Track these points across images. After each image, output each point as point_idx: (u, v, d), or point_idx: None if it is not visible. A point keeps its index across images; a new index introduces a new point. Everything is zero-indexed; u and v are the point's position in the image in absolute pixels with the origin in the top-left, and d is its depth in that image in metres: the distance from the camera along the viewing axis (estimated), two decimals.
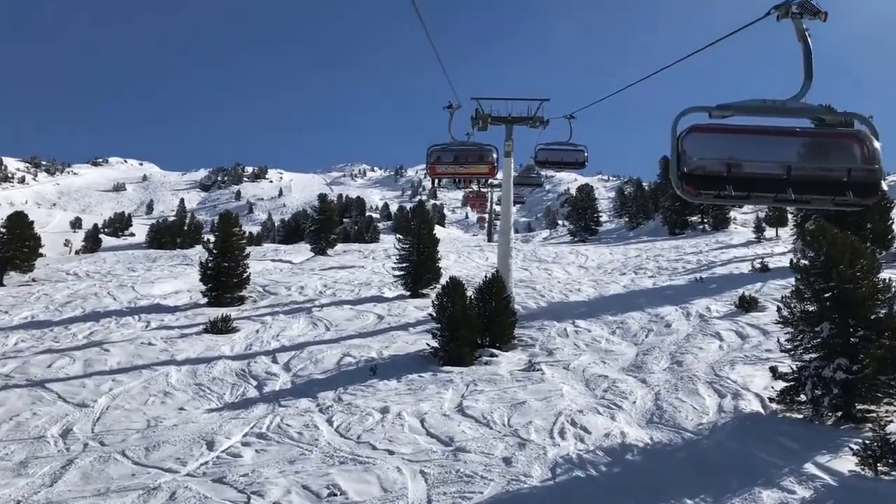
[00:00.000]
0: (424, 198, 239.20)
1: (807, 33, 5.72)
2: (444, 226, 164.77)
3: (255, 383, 14.27)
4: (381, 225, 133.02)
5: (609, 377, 13.62)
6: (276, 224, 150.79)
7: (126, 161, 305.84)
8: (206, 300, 23.12)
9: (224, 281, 23.21)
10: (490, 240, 61.92)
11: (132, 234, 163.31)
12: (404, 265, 23.55)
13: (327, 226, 42.10)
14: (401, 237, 24.22)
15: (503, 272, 18.23)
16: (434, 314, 15.29)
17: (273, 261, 37.80)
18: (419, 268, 23.33)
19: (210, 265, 23.21)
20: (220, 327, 17.96)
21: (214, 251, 23.41)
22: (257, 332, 18.47)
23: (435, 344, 15.14)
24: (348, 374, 14.50)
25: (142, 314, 21.65)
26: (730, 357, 14.40)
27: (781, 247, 32.46)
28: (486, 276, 16.60)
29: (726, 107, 5.62)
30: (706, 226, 45.50)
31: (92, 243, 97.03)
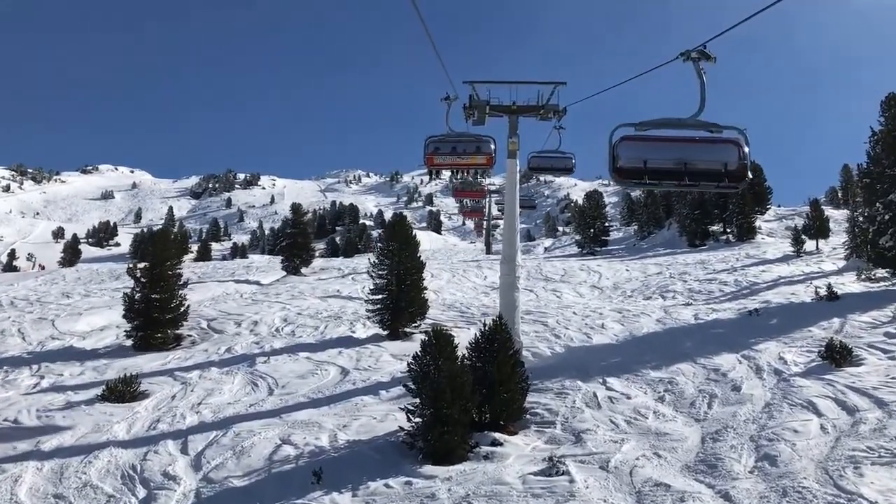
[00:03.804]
0: (420, 204, 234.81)
1: (702, 72, 8.25)
2: (440, 233, 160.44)
3: (142, 495, 9.57)
4: (374, 233, 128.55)
5: (672, 487, 8.89)
6: (266, 233, 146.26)
7: (117, 168, 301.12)
8: (131, 341, 18.32)
9: (155, 317, 18.36)
10: (489, 251, 57.24)
11: (117, 244, 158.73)
12: (380, 297, 18.53)
13: (301, 241, 36.93)
14: (375, 261, 19.10)
15: (508, 315, 13.44)
16: (411, 385, 10.58)
17: (238, 282, 32.94)
18: (399, 300, 18.28)
19: (137, 297, 18.35)
20: (122, 392, 13.11)
21: (143, 280, 18.54)
22: (173, 398, 13.54)
23: (411, 426, 10.43)
24: (281, 480, 9.75)
25: (43, 363, 16.93)
26: (845, 449, 9.63)
27: (830, 263, 27.85)
28: (484, 326, 11.80)
29: (648, 123, 8.17)
30: (730, 236, 40.83)
31: (71, 255, 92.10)
